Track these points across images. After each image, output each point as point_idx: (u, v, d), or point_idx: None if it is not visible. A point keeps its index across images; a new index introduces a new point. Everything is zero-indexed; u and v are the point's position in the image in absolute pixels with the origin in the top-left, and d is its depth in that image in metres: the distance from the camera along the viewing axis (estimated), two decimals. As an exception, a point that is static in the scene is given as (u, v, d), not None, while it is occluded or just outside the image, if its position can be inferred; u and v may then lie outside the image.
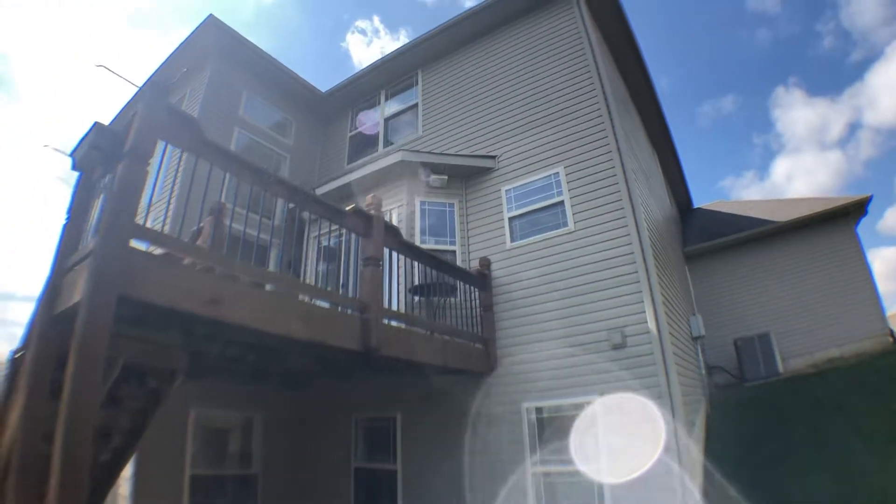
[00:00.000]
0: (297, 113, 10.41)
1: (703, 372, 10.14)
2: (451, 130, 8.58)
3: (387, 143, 9.61)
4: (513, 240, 7.12)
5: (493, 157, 7.78)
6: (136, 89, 9.78)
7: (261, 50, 9.44)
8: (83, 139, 3.65)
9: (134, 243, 3.08)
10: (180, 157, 5.29)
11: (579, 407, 5.78)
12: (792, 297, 12.43)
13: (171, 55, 9.27)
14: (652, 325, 5.68)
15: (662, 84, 72.15)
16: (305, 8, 53.83)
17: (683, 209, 16.55)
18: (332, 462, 7.46)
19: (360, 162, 9.45)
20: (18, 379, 3.49)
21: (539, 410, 6.13)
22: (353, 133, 10.30)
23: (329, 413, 7.77)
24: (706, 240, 13.83)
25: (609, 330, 5.91)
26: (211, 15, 8.63)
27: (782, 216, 13.20)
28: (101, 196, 3.80)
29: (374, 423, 7.45)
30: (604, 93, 7.12)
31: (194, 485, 6.00)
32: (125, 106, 10.33)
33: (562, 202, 6.89)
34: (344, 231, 4.99)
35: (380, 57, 12.31)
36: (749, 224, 13.61)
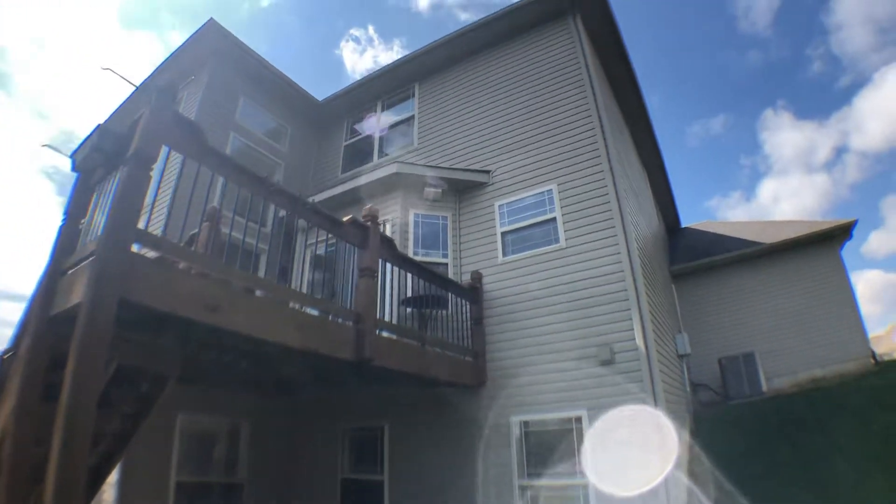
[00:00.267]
0: (293, 120, 10.44)
1: (688, 389, 10.24)
2: (447, 144, 8.66)
3: (381, 153, 9.66)
4: (505, 254, 7.19)
5: (487, 172, 7.88)
6: (132, 90, 9.77)
7: (260, 56, 9.48)
8: (85, 140, 3.66)
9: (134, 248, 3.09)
10: (182, 163, 5.29)
11: (568, 421, 5.84)
12: (777, 317, 12.62)
13: (169, 57, 9.27)
14: (640, 341, 5.77)
15: (653, 101, 73.44)
16: (301, 13, 54.13)
17: (671, 228, 16.75)
18: (318, 471, 7.41)
19: (354, 172, 9.50)
20: (8, 380, 3.46)
21: (527, 424, 6.17)
22: (348, 142, 10.36)
23: (317, 421, 7.73)
24: (693, 259, 14.02)
25: (598, 346, 5.98)
26: (211, 19, 8.66)
27: (769, 238, 13.43)
28: (95, 196, 3.81)
29: (362, 433, 7.42)
30: (598, 112, 7.25)
31: (179, 492, 5.92)
32: (119, 107, 10.27)
33: (554, 219, 6.98)
34: (337, 240, 5.02)
35: (375, 67, 12.42)
36: (736, 245, 13.82)
